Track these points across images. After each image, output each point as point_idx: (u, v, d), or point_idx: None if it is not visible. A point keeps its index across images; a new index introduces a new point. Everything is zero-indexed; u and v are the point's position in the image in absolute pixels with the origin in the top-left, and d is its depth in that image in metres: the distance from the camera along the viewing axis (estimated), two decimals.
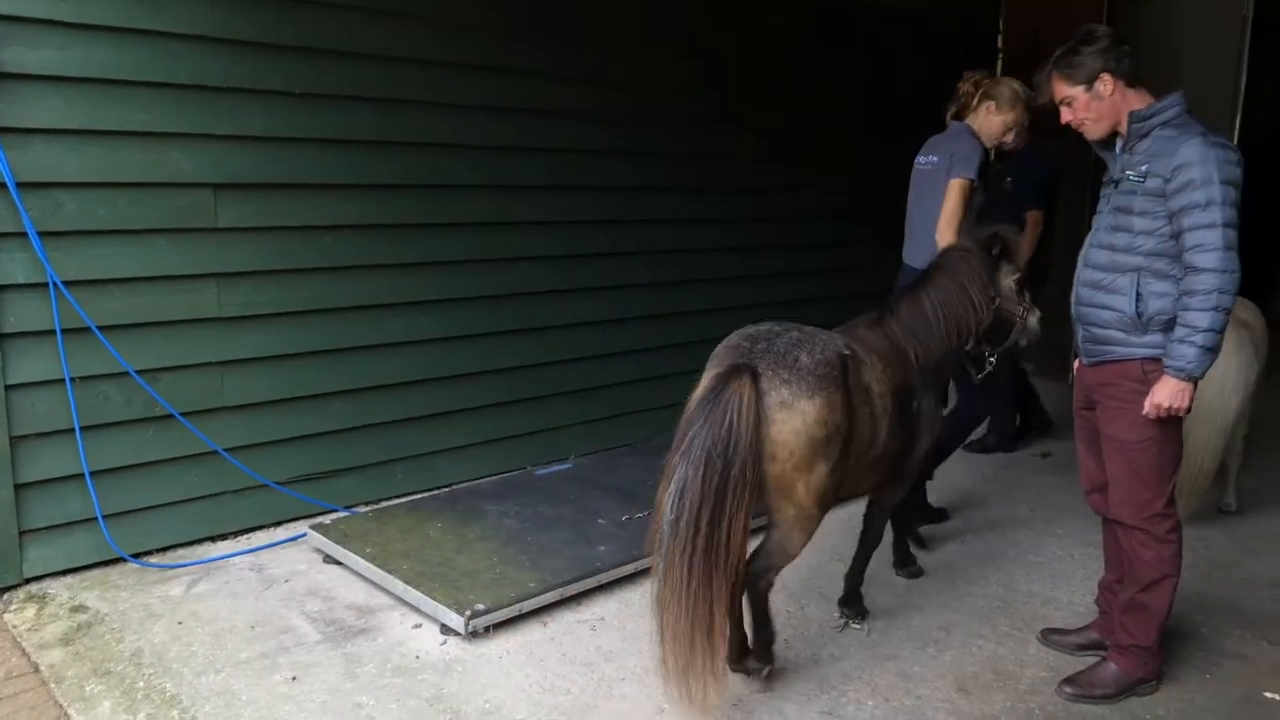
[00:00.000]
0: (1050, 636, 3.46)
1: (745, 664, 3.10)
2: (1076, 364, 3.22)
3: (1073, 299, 3.11)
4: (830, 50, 6.44)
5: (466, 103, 4.58)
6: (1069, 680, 3.15)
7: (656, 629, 2.72)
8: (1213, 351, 2.77)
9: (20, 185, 3.46)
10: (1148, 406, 2.86)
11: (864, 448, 3.00)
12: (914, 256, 4.21)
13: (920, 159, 4.26)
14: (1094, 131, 2.99)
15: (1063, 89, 2.96)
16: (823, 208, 6.57)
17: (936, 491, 4.97)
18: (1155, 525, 2.99)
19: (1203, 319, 2.74)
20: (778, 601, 3.65)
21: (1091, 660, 3.24)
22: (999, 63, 7.72)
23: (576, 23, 5.00)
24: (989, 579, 3.97)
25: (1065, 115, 3.00)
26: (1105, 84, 2.89)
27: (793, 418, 2.78)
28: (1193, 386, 2.81)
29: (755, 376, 2.78)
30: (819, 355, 2.86)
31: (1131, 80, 2.90)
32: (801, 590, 3.81)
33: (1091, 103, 2.92)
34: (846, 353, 2.95)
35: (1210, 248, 2.71)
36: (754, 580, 2.99)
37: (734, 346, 2.93)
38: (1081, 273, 3.07)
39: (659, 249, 5.56)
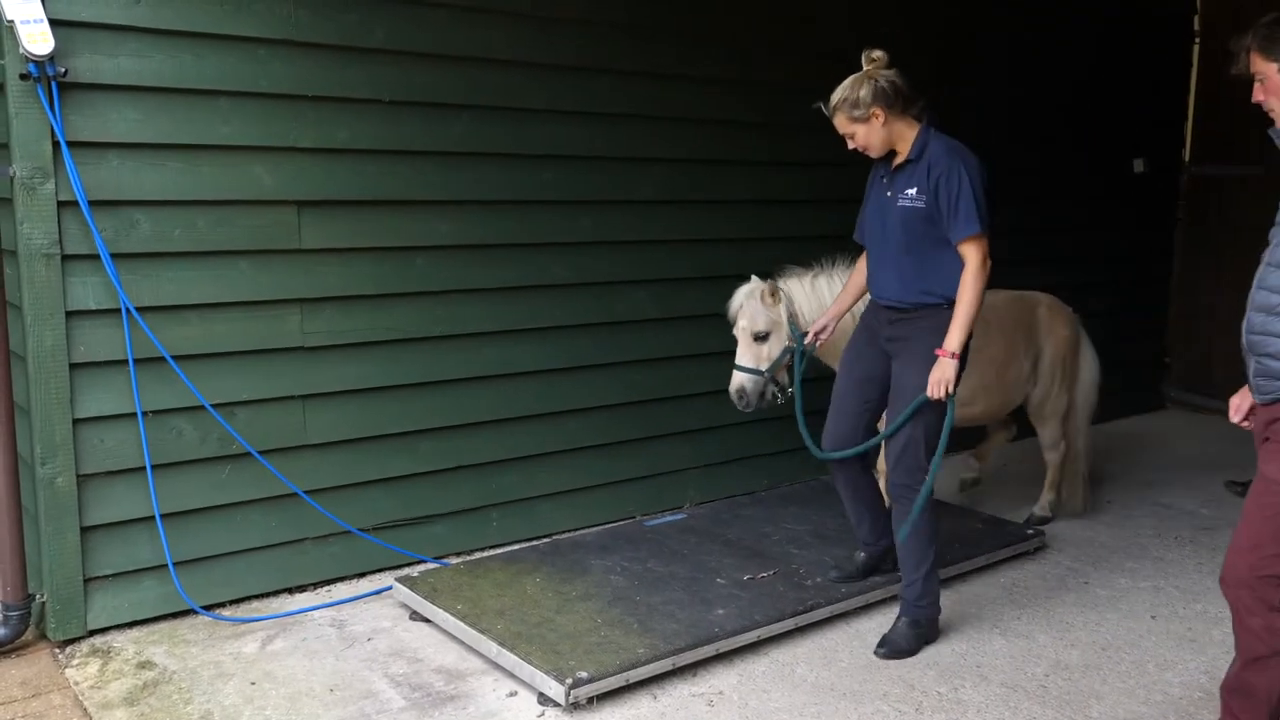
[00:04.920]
0: None
1: None
2: (1234, 400, 2.85)
3: (1244, 326, 2.78)
4: (1024, 42, 6.06)
5: (569, 109, 4.40)
6: None
7: None
8: None
9: (93, 204, 3.41)
10: None
11: None
12: None
13: None
14: None
15: (1257, 63, 2.74)
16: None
17: (1120, 552, 4.57)
18: (1268, 590, 2.64)
19: None
20: (926, 681, 3.39)
21: None
22: (1195, 50, 7.34)
23: (708, 16, 4.70)
24: (1188, 664, 3.55)
25: (1256, 93, 2.78)
26: None
27: None
28: None
29: None
30: None
31: None
32: (955, 668, 3.45)
33: None
34: None
35: None
36: None
37: None
38: (1255, 295, 2.73)
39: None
